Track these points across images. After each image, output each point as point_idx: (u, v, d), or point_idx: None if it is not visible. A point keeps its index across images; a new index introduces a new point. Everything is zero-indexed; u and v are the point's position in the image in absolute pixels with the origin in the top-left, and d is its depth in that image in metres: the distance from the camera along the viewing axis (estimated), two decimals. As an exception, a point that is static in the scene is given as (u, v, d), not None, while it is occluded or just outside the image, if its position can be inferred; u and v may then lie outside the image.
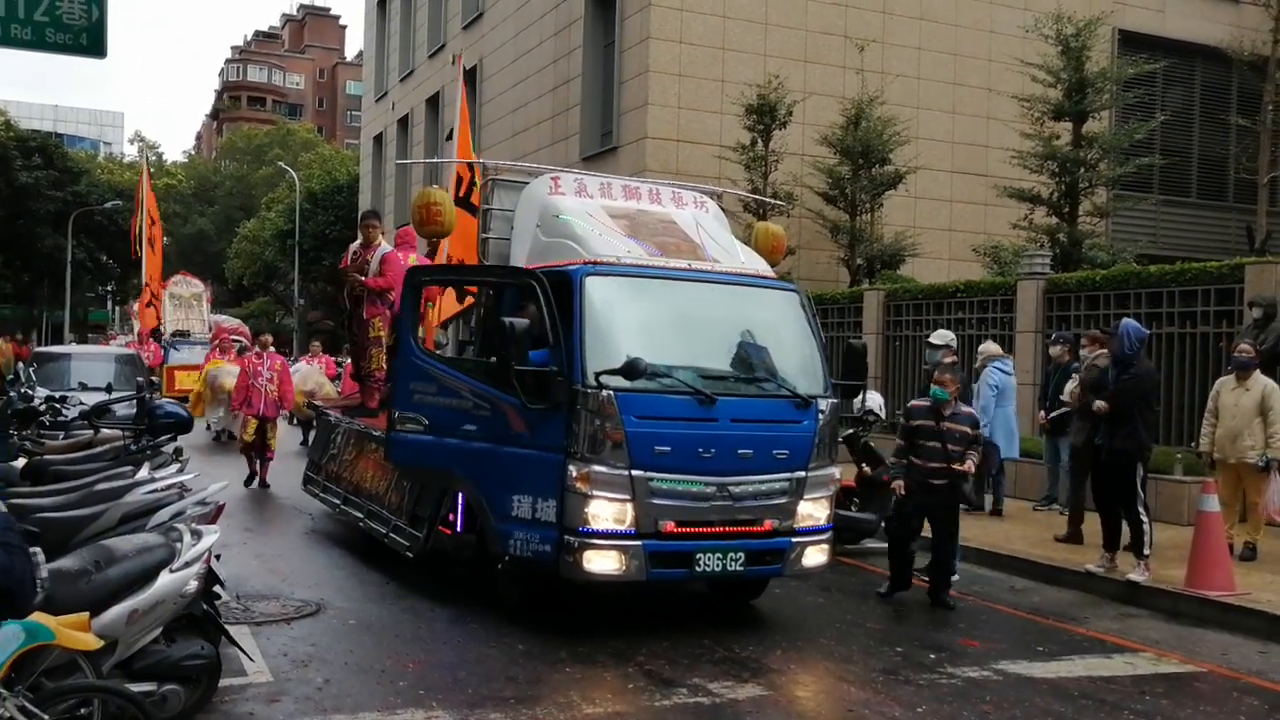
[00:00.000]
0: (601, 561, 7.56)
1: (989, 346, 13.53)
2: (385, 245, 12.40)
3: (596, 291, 7.88)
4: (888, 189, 22.59)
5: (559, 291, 7.85)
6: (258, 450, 14.90)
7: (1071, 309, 15.32)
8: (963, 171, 25.71)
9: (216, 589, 6.12)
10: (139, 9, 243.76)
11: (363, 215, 13.29)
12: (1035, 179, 20.61)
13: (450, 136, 14.68)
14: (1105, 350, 12.00)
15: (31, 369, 17.22)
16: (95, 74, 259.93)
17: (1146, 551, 9.73)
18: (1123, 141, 20.74)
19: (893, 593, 9.49)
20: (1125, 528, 10.01)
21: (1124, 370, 9.98)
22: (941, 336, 10.82)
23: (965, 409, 9.43)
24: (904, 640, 8.17)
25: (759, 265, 9.09)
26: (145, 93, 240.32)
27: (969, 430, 9.28)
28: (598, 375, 7.54)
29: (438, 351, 10.68)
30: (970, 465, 9.23)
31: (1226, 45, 25.60)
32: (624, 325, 8.02)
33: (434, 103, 36.22)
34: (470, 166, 12.44)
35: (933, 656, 7.74)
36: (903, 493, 9.43)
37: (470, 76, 31.82)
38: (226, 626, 6.15)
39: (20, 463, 7.61)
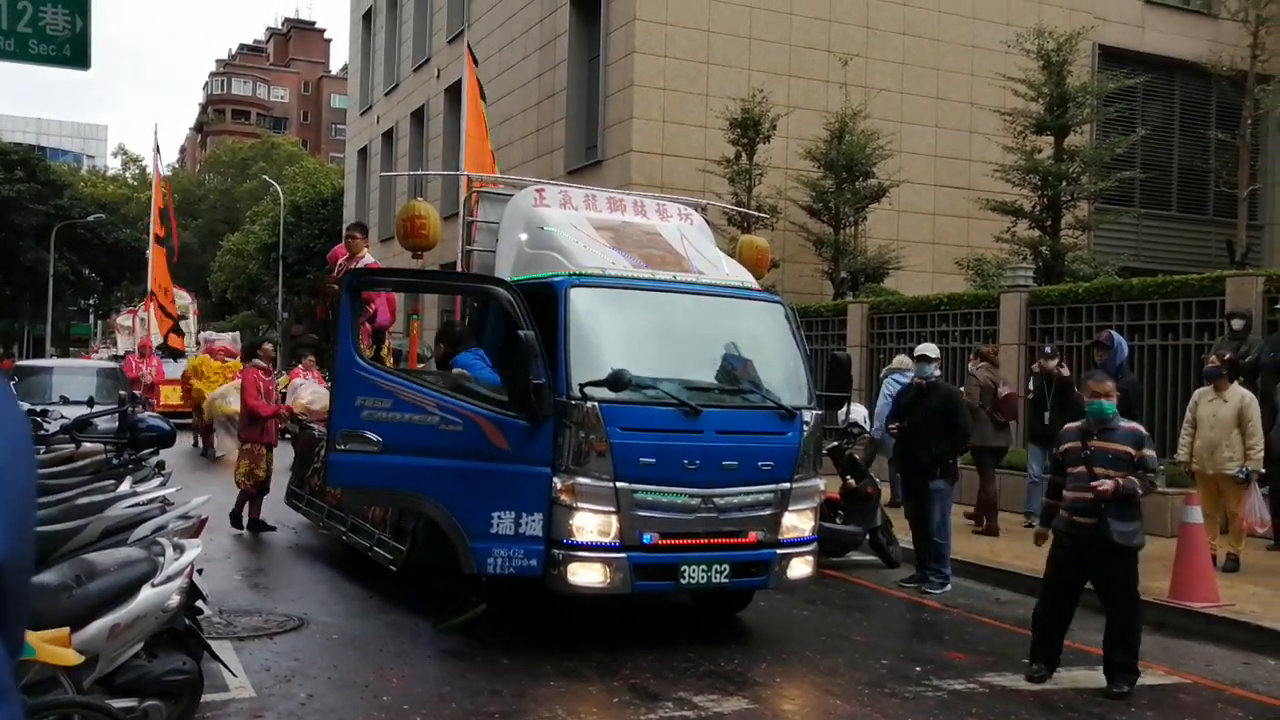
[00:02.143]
0: (586, 574, 7.51)
1: (899, 359, 14.72)
2: (369, 256, 12.31)
3: (581, 303, 7.83)
4: (871, 202, 22.69)
5: (544, 303, 7.78)
6: (263, 488, 12.86)
7: (1054, 321, 15.39)
8: (946, 185, 25.82)
9: (199, 603, 6.06)
10: (123, 23, 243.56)
11: (348, 228, 13.19)
12: (1018, 192, 20.72)
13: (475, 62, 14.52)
14: (988, 363, 12.79)
15: (12, 383, 17.12)
16: (78, 87, 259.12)
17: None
18: (1104, 155, 20.87)
19: (1048, 673, 7.57)
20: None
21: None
22: (932, 349, 10.86)
23: (1126, 424, 7.53)
24: (889, 653, 8.16)
25: (744, 277, 9.03)
26: (129, 106, 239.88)
27: (1128, 450, 7.32)
28: (582, 387, 7.49)
29: (421, 365, 10.61)
30: (1107, 486, 7.12)
31: (1205, 60, 25.83)
32: (609, 337, 7.98)
33: (419, 116, 36.22)
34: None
35: (918, 669, 7.74)
36: (1044, 543, 7.89)
37: (455, 90, 31.84)
38: (209, 641, 6.11)
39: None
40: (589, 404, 7.47)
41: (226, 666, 6.59)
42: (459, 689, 6.88)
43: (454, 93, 32.09)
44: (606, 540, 7.50)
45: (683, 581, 7.74)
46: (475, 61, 14.92)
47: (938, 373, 10.77)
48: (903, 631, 9.04)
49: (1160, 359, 13.83)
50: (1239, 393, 10.75)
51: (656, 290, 8.24)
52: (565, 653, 7.69)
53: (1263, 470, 10.71)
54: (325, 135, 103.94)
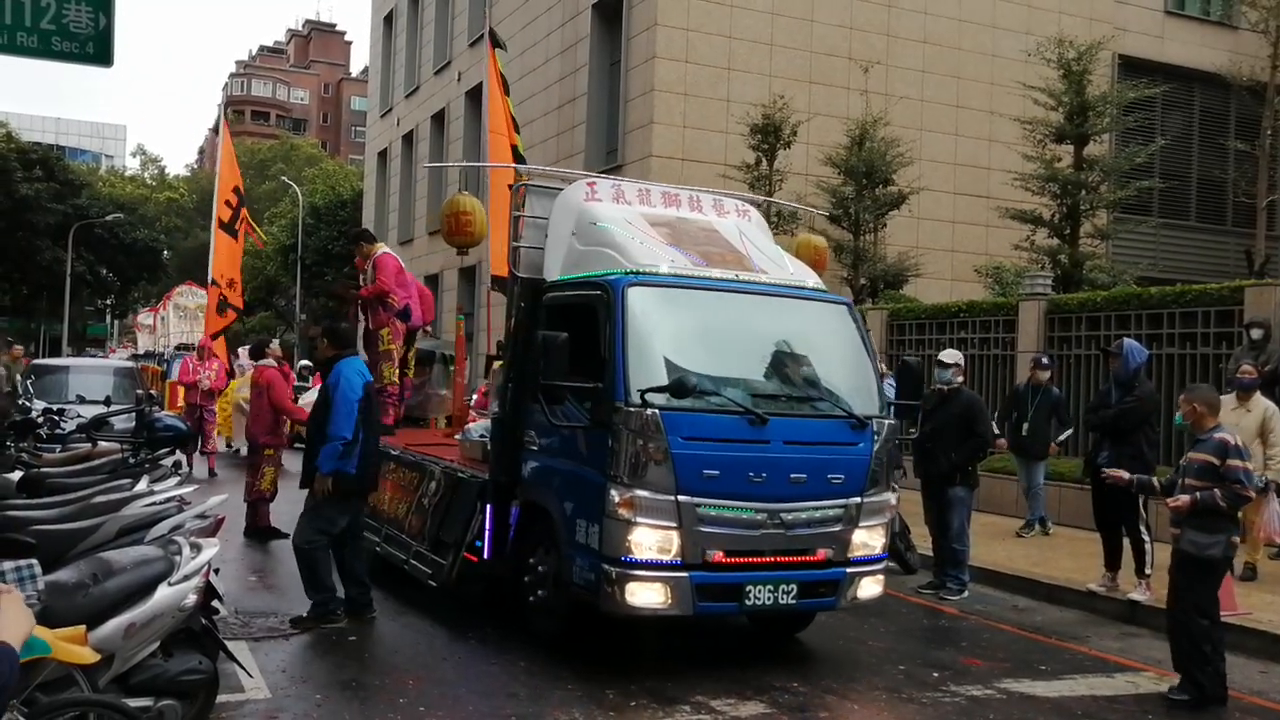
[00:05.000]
0: (645, 594, 7.03)
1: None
2: (382, 249, 11.70)
3: (639, 303, 7.32)
4: (891, 209, 22.60)
5: (598, 303, 7.47)
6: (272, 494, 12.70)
7: (1073, 329, 15.34)
8: (965, 193, 25.77)
9: (215, 603, 6.07)
10: (144, 22, 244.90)
11: (350, 239, 12.65)
12: (1037, 201, 20.62)
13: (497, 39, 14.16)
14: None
15: (29, 381, 17.18)
16: (98, 86, 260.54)
17: (1148, 571, 9.71)
18: (1123, 165, 20.77)
19: (1199, 705, 7.20)
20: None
21: (1126, 392, 9.96)
22: (951, 355, 10.82)
23: (1219, 435, 7.38)
24: (907, 659, 8.13)
25: (808, 276, 8.38)
26: (148, 106, 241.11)
27: (1210, 460, 7.25)
28: (642, 393, 7.02)
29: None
30: (1181, 502, 7.22)
31: (1225, 71, 25.82)
32: (668, 339, 7.50)
33: (439, 119, 36.30)
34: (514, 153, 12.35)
35: (935, 675, 7.70)
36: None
37: (476, 93, 31.87)
38: (225, 641, 6.10)
39: (17, 475, 7.56)
40: (649, 411, 6.98)
41: (242, 667, 6.59)
42: (475, 691, 6.87)
43: (475, 96, 32.09)
44: (667, 558, 7.02)
45: (748, 603, 7.26)
46: (498, 45, 14.39)
47: (959, 379, 10.72)
48: (920, 637, 8.98)
49: (1179, 368, 13.76)
50: (1263, 403, 10.70)
51: (718, 290, 7.71)
52: (583, 656, 7.64)
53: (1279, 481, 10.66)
54: (345, 137, 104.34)
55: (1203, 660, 7.21)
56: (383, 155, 43.21)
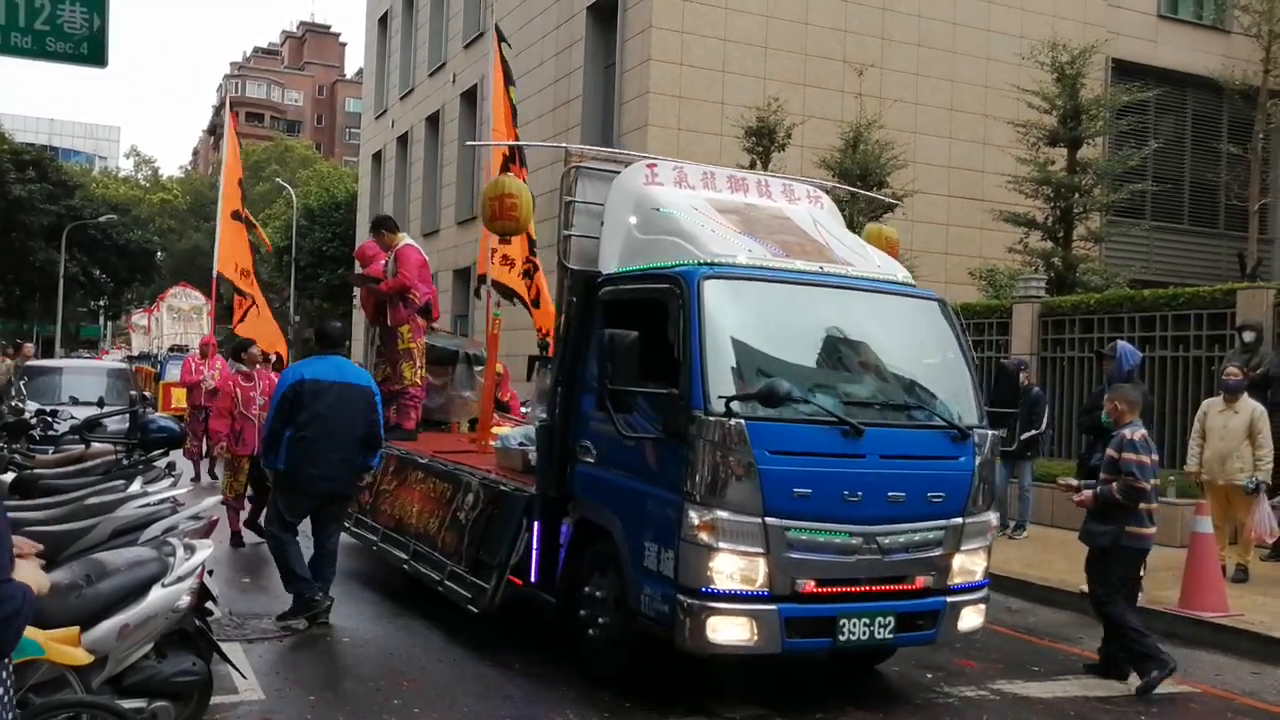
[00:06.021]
0: (729, 629, 6.28)
1: None
2: (404, 239, 11.47)
3: (716, 297, 6.57)
4: (885, 212, 22.60)
5: (666, 297, 6.78)
6: (251, 497, 12.07)
7: (1066, 332, 15.40)
8: (959, 196, 25.79)
9: (209, 604, 6.06)
10: (139, 23, 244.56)
11: (375, 222, 12.20)
12: (1030, 204, 20.66)
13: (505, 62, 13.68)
14: None
15: (23, 381, 17.12)
16: (92, 87, 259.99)
17: (1141, 572, 9.72)
18: (1116, 168, 20.82)
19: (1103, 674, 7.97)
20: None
21: (1119, 393, 9.99)
22: None
23: (1122, 431, 7.71)
24: (900, 660, 8.12)
25: (896, 269, 7.64)
26: (142, 107, 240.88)
27: (1113, 454, 7.68)
28: (727, 401, 6.29)
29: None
30: (1084, 495, 7.84)
31: (1218, 75, 25.92)
32: (750, 339, 6.79)
33: (434, 121, 36.27)
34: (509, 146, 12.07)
35: (929, 676, 7.72)
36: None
37: (470, 94, 31.91)
38: (219, 642, 6.08)
39: (9, 476, 7.54)
40: (733, 421, 6.23)
41: (236, 668, 6.57)
42: (470, 693, 6.87)
43: (470, 98, 32.17)
44: (753, 589, 6.29)
45: (841, 638, 6.50)
46: (503, 40, 14.10)
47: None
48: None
49: (1171, 370, 13.82)
50: (1249, 404, 10.76)
51: (803, 284, 6.98)
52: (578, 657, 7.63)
53: (1269, 482, 10.72)
54: (339, 139, 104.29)
55: (1137, 647, 7.61)
56: (377, 157, 43.16)
